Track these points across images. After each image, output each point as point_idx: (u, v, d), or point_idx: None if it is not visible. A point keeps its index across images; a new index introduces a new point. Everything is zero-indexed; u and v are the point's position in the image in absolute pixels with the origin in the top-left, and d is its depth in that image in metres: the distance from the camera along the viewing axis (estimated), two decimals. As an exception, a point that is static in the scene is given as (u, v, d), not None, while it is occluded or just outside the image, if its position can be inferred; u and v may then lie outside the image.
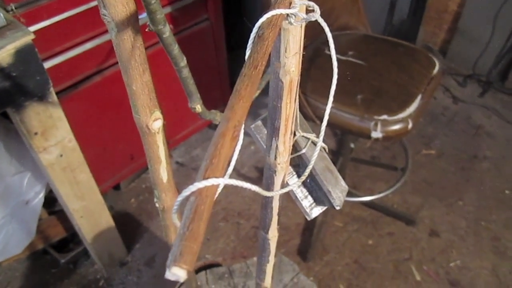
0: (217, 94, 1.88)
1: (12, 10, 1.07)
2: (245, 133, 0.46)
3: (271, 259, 0.70)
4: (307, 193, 0.59)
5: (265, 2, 1.34)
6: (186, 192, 0.25)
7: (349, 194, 1.67)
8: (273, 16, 0.34)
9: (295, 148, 0.56)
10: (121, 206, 1.74)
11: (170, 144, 1.84)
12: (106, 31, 1.30)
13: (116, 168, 1.65)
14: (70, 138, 1.11)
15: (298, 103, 0.47)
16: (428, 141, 1.99)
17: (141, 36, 0.44)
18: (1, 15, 0.90)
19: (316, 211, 0.59)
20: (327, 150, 0.59)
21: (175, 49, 0.43)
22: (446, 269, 1.53)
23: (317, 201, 0.59)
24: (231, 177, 0.32)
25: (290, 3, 0.35)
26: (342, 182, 0.59)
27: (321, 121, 0.47)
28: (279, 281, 1.08)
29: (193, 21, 1.59)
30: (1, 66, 0.89)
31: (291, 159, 0.55)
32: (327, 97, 0.46)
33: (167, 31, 0.40)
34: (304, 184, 0.59)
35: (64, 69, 1.26)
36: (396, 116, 1.24)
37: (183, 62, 0.45)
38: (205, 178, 0.25)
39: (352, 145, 1.79)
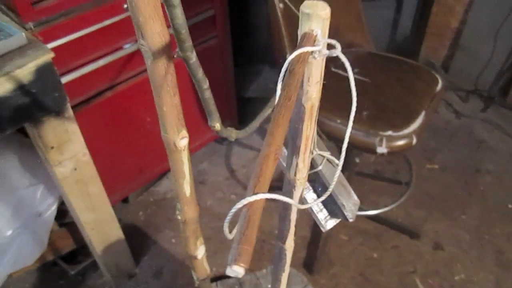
0: (224, 109, 1.91)
1: (31, 28, 1.10)
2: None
3: (287, 268, 0.73)
4: (322, 207, 0.62)
5: (272, 21, 1.38)
6: (239, 205, 0.30)
7: (354, 207, 1.69)
8: (301, 53, 0.38)
9: (312, 165, 0.59)
10: (129, 219, 1.77)
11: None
12: (118, 49, 1.34)
13: (125, 181, 1.68)
14: (84, 152, 1.14)
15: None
16: (431, 156, 2.01)
17: (173, 63, 0.47)
18: (23, 34, 0.94)
19: (330, 223, 0.62)
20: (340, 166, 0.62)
21: (200, 73, 0.46)
22: (450, 282, 1.55)
23: (332, 213, 0.62)
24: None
25: (314, 41, 0.39)
26: (354, 196, 0.62)
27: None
28: (287, 292, 1.10)
29: (202, 38, 1.63)
30: (22, 83, 0.93)
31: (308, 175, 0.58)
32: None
33: (194, 57, 0.44)
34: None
35: (77, 85, 1.30)
36: (401, 132, 1.27)
37: (206, 84, 0.48)
38: (254, 193, 0.30)
39: (357, 160, 1.82)
